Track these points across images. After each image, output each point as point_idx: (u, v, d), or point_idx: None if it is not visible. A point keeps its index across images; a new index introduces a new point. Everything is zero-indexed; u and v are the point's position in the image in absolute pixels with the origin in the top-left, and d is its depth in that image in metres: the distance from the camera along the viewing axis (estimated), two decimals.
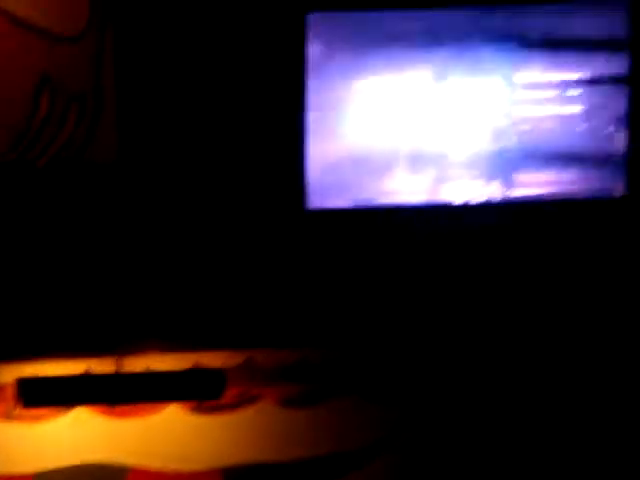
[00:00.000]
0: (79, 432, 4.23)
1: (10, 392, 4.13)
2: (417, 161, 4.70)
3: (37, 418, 4.20)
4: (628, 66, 4.57)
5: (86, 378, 4.17)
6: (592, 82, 4.64)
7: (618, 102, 4.68)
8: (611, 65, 4.63)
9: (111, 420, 4.28)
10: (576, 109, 4.76)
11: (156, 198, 4.42)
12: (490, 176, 4.76)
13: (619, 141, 4.77)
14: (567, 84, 4.69)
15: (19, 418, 4.19)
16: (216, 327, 4.46)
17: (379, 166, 4.67)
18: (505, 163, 4.78)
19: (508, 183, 4.81)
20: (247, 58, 4.39)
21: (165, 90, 4.44)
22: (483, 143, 4.75)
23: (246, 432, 4.34)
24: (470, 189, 4.76)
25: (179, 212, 4.48)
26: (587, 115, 4.74)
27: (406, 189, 4.66)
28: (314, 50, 4.52)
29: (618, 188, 4.75)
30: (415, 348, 4.55)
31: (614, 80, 4.60)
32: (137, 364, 4.33)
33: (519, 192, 4.81)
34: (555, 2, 4.50)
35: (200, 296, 4.49)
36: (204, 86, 4.43)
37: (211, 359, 4.37)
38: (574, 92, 4.71)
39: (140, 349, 4.38)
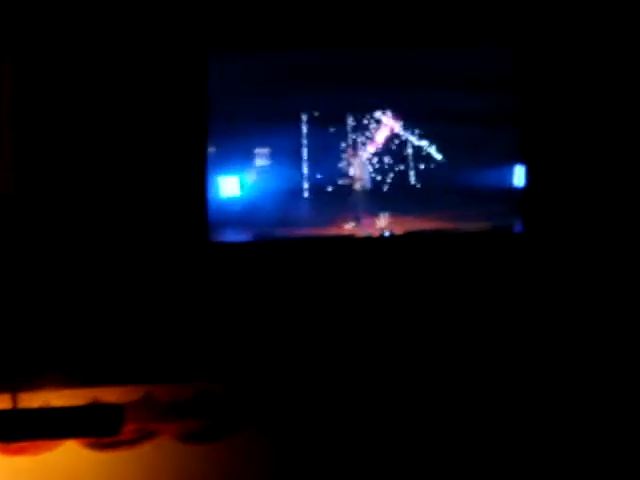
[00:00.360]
0: None
1: None
2: (318, 194, 4.81)
3: None
4: (519, 104, 4.79)
5: None
6: (487, 119, 4.84)
7: (513, 139, 4.89)
8: (501, 102, 4.85)
9: (6, 457, 4.16)
10: (470, 145, 4.95)
11: (56, 230, 4.46)
12: (386, 210, 4.88)
13: (515, 177, 4.95)
14: (461, 121, 4.88)
15: None
16: (114, 362, 4.43)
17: (278, 201, 4.78)
18: (401, 198, 4.91)
19: (407, 217, 4.92)
20: (149, 96, 4.55)
21: (64, 123, 4.55)
22: (380, 179, 4.89)
23: (145, 468, 4.22)
24: (366, 223, 4.87)
25: (80, 244, 4.51)
26: (482, 151, 4.93)
27: (303, 223, 4.75)
28: (215, 88, 4.69)
29: (515, 223, 4.89)
30: (313, 381, 4.53)
31: (507, 117, 4.81)
32: (34, 399, 4.25)
33: (414, 226, 4.93)
34: (445, 42, 4.75)
35: (98, 330, 4.48)
36: (106, 121, 4.56)
37: (109, 394, 4.32)
38: (468, 129, 4.90)
39: (37, 384, 4.32)
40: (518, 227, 5.02)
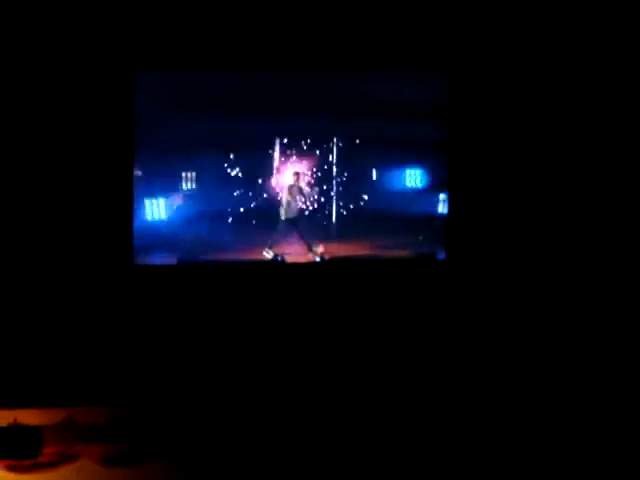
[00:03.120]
0: None
1: None
2: (245, 219, 4.85)
3: None
4: (447, 133, 4.90)
5: None
6: (414, 147, 4.93)
7: (439, 167, 4.99)
8: (431, 131, 4.95)
9: None
10: (397, 173, 5.04)
11: None
12: (315, 237, 4.94)
13: (441, 206, 5.05)
14: (390, 148, 4.97)
15: None
16: (35, 384, 4.39)
17: (204, 225, 4.80)
18: (329, 224, 4.98)
19: (335, 243, 4.99)
20: (74, 117, 4.53)
21: None
22: (308, 205, 4.95)
23: None
24: (294, 249, 4.92)
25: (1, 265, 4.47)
26: (410, 179, 5.02)
27: (228, 247, 4.78)
28: (143, 109, 4.69)
29: (440, 251, 4.99)
30: (233, 408, 4.56)
31: (435, 146, 4.91)
32: None
33: (340, 252, 5.00)
34: (378, 69, 4.80)
35: (19, 352, 4.44)
36: (31, 142, 4.52)
37: (29, 417, 4.27)
38: (396, 156, 4.99)
39: None
40: (441, 254, 5.13)
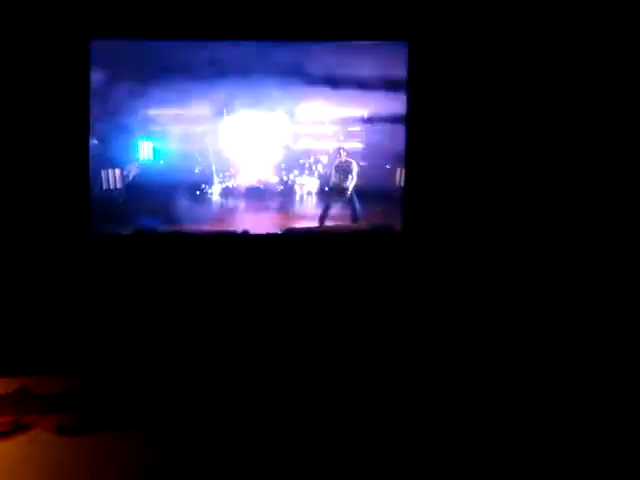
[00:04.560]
0: None
1: None
2: (202, 190, 4.84)
3: None
4: (406, 105, 4.89)
5: None
6: (372, 120, 4.94)
7: (396, 140, 4.99)
8: (390, 104, 4.95)
9: None
10: (357, 145, 5.05)
11: None
12: (273, 207, 4.94)
13: (397, 178, 5.07)
14: (348, 121, 4.97)
15: None
16: None
17: (163, 194, 4.78)
18: (287, 195, 4.98)
19: (290, 215, 5.00)
20: (29, 85, 4.47)
21: None
22: (264, 175, 4.94)
23: (19, 460, 4.17)
24: (253, 220, 4.92)
25: None
26: (367, 152, 5.02)
27: (189, 217, 4.77)
28: (98, 77, 4.64)
29: (396, 223, 5.01)
30: (188, 377, 4.56)
31: (393, 119, 4.91)
32: None
33: (300, 224, 5.00)
34: (338, 40, 4.76)
35: None
36: None
37: None
38: (354, 129, 5.00)
39: None
40: (398, 225, 5.14)
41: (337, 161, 5.10)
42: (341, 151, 5.06)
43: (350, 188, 5.11)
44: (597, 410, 4.47)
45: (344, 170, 5.12)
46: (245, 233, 5.04)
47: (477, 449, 4.04)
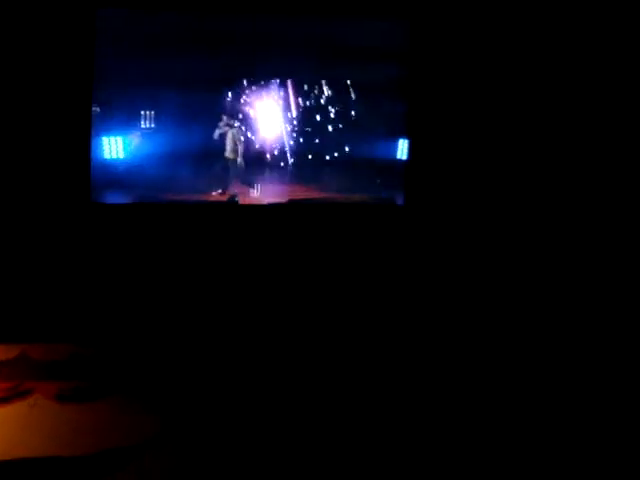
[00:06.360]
0: None
1: None
2: (204, 160, 4.82)
3: None
4: (408, 78, 4.88)
5: None
6: (375, 92, 4.93)
7: (399, 113, 4.98)
8: (393, 76, 4.94)
9: None
10: (359, 118, 5.03)
11: None
12: (276, 178, 4.94)
13: (399, 151, 5.06)
14: (351, 92, 4.95)
15: None
16: None
17: (162, 164, 4.76)
18: (290, 166, 4.97)
19: (293, 186, 4.99)
20: (32, 52, 4.44)
21: None
22: (268, 146, 4.93)
23: (18, 425, 4.17)
24: (253, 190, 4.91)
25: None
26: (369, 124, 5.01)
27: (188, 188, 4.75)
28: (104, 46, 4.60)
29: (398, 196, 5.02)
30: (188, 348, 4.58)
31: (396, 91, 4.90)
32: None
33: (302, 195, 5.00)
34: (339, 13, 4.75)
35: None
36: None
37: None
38: (358, 101, 4.98)
39: None
40: (400, 200, 5.15)
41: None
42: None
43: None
44: (596, 405, 4.50)
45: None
46: (245, 203, 5.06)
47: (473, 438, 4.07)
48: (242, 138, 5.01)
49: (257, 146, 5.09)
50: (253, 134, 5.09)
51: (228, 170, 5.03)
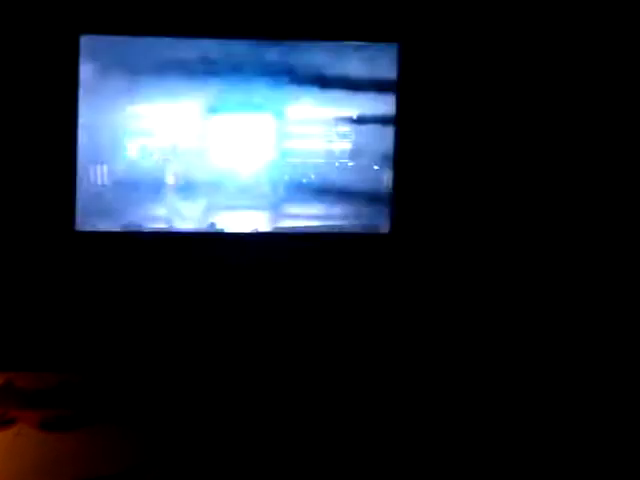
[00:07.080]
0: None
1: None
2: (188, 189, 4.81)
3: None
4: (395, 107, 4.86)
5: None
6: (361, 121, 4.92)
7: (385, 141, 4.97)
8: (379, 105, 4.93)
9: None
10: (345, 146, 5.01)
11: None
12: (260, 207, 4.92)
13: (385, 179, 5.05)
14: (337, 121, 4.94)
15: None
16: None
17: (149, 191, 4.75)
18: (275, 195, 4.95)
19: (278, 215, 4.97)
20: (17, 78, 4.42)
21: None
22: (254, 174, 4.91)
23: (4, 454, 4.18)
24: (240, 219, 4.89)
25: None
26: (356, 152, 5.00)
27: (176, 216, 4.74)
28: (87, 72, 4.59)
29: (384, 225, 5.00)
30: (172, 376, 4.58)
31: (382, 120, 4.89)
32: None
33: (288, 224, 4.98)
34: (328, 40, 4.72)
35: None
36: None
37: None
38: (343, 129, 4.97)
39: None
40: (385, 228, 5.13)
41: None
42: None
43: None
44: (596, 408, 4.50)
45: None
46: (232, 232, 5.05)
47: (474, 448, 4.08)
48: (236, 165, 5.00)
49: (242, 175, 5.07)
50: (243, 161, 5.08)
51: (218, 197, 5.03)
